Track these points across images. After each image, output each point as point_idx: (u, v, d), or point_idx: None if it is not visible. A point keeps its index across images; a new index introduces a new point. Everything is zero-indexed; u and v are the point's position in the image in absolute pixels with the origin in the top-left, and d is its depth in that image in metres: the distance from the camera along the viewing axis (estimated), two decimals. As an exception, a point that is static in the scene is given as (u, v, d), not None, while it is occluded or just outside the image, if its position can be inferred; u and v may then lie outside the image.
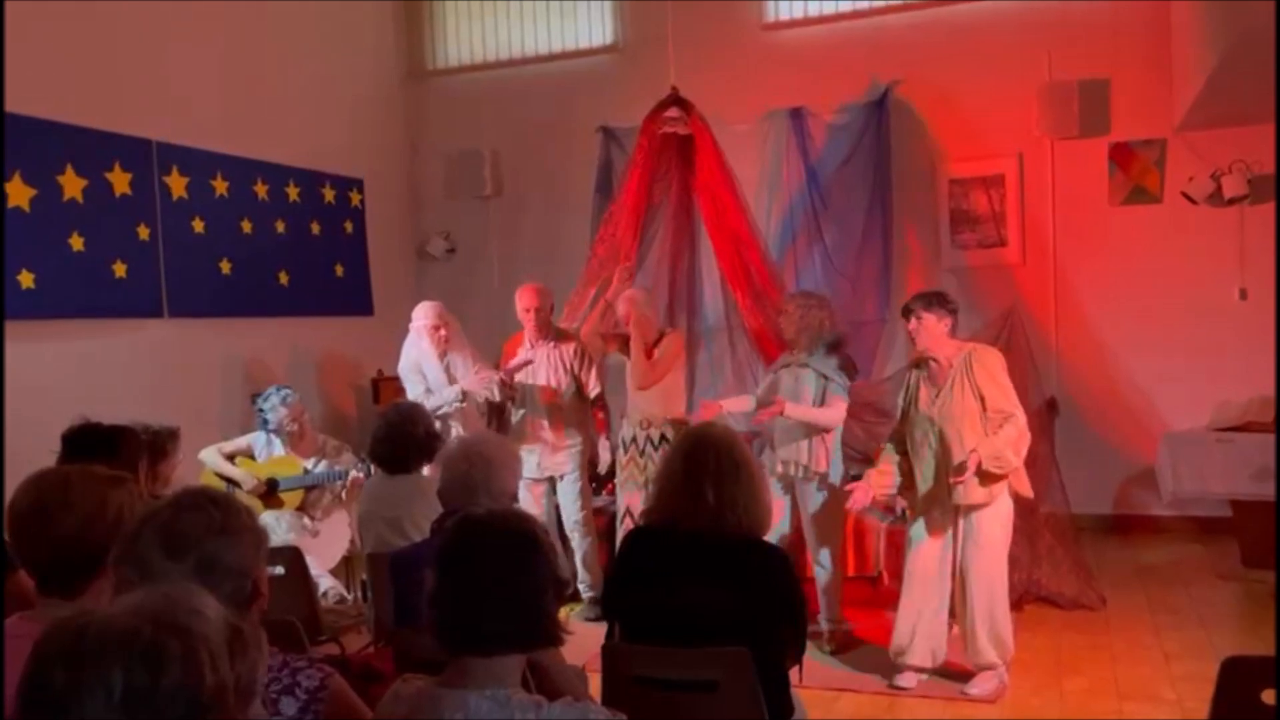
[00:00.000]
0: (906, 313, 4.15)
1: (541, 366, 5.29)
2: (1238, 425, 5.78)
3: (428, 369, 5.51)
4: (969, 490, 3.95)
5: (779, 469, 4.65)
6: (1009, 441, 3.93)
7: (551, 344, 5.30)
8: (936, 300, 4.12)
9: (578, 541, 5.32)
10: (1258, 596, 5.17)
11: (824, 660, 4.50)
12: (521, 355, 5.35)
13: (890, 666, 4.25)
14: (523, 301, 5.28)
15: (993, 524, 4.05)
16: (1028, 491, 4.19)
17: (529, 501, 5.32)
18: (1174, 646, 4.51)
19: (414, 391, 5.47)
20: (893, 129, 6.78)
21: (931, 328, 4.06)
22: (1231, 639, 4.51)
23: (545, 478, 5.34)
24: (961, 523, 4.09)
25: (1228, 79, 4.96)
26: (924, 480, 4.08)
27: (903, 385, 4.27)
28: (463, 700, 1.68)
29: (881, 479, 4.18)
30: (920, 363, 4.16)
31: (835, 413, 4.57)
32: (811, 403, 4.57)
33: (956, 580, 4.13)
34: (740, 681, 2.40)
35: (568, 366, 5.28)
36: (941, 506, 4.08)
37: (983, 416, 3.97)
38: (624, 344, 5.25)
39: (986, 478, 3.94)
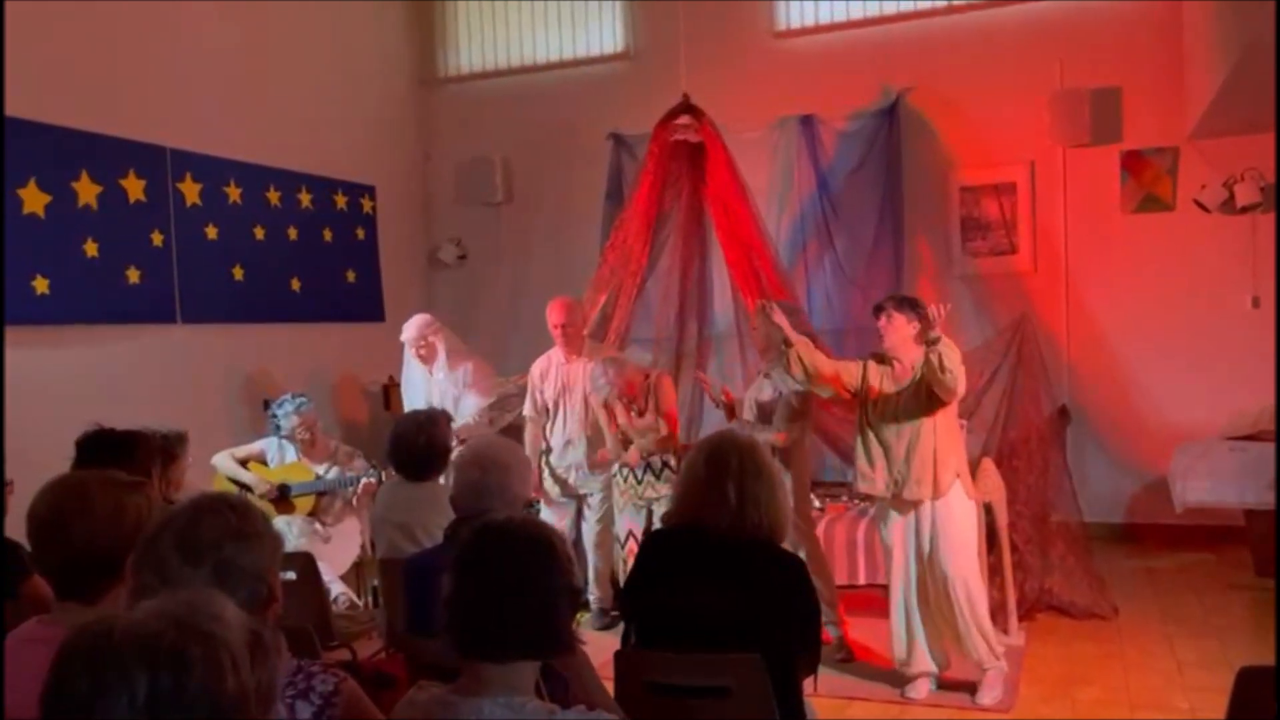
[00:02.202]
0: (878, 310, 4.21)
1: (577, 382, 5.27)
2: (1250, 434, 5.74)
3: (410, 386, 5.70)
4: (918, 486, 4.02)
5: None
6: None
7: (586, 359, 5.28)
8: (909, 303, 4.19)
9: (592, 559, 5.32)
10: (1270, 606, 5.14)
11: (834, 669, 4.49)
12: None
13: (901, 675, 4.24)
14: (551, 318, 5.28)
15: (955, 521, 4.08)
16: (972, 493, 4.23)
17: (554, 516, 5.32)
18: (1187, 656, 4.49)
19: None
20: (904, 136, 6.79)
21: (901, 328, 4.13)
22: (1245, 649, 4.48)
23: (577, 495, 5.35)
24: (925, 525, 4.10)
25: (1240, 86, 4.94)
26: (869, 478, 4.15)
27: (860, 364, 4.25)
28: (477, 708, 1.69)
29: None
30: (881, 358, 4.19)
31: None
32: (768, 409, 4.62)
33: (933, 585, 4.12)
34: (753, 688, 2.40)
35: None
36: (897, 504, 4.13)
37: (934, 419, 4.04)
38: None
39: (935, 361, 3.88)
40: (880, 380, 4.15)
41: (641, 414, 5.05)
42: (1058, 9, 6.55)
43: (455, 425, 5.43)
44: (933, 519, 4.08)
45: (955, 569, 4.05)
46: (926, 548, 4.11)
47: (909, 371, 4.11)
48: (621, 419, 5.07)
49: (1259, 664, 2.21)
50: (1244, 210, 6.21)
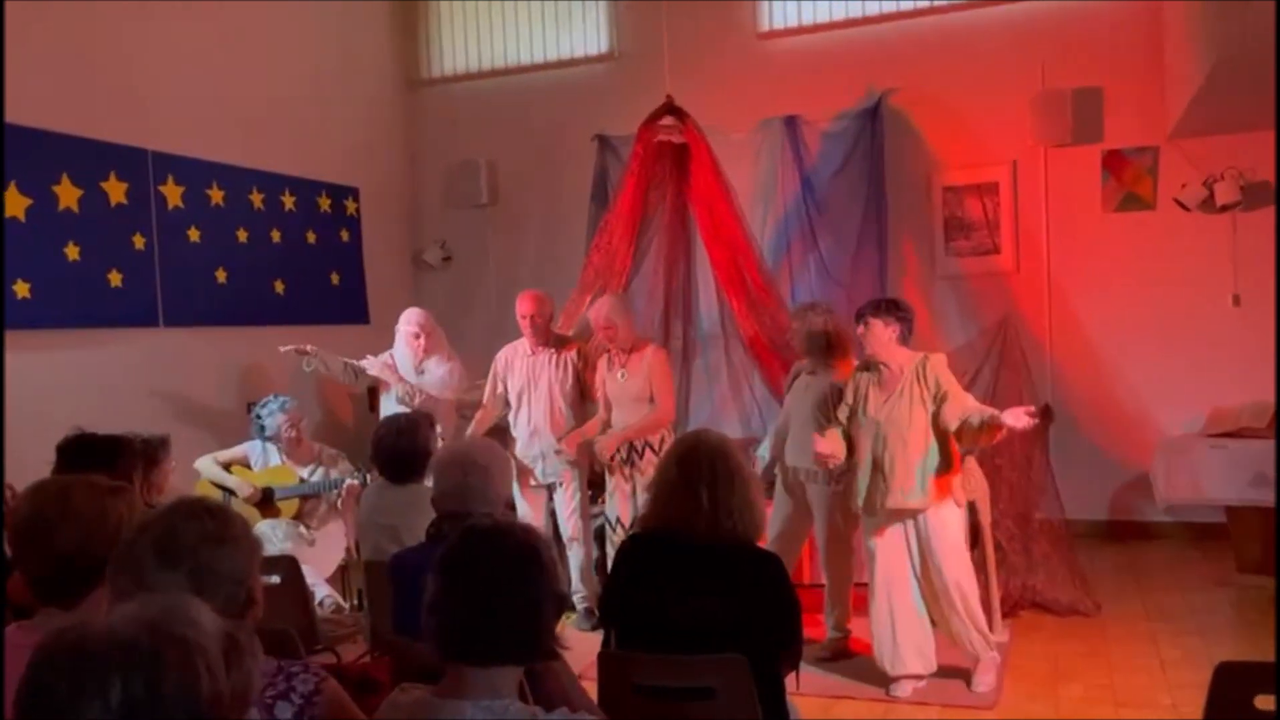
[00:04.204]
0: (858, 318, 4.21)
1: (543, 373, 5.30)
2: (1232, 431, 5.79)
3: (392, 372, 5.65)
4: (906, 496, 4.01)
5: (789, 475, 4.67)
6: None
7: (552, 350, 5.32)
8: (886, 307, 4.19)
9: (574, 551, 5.33)
10: (1253, 602, 5.18)
11: (820, 668, 4.51)
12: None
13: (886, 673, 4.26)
14: (519, 309, 5.31)
15: (945, 525, 4.10)
16: (960, 499, 4.24)
17: (530, 508, 5.34)
18: (1170, 653, 4.51)
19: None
20: (887, 137, 6.80)
21: (879, 334, 4.12)
22: (1227, 645, 4.51)
23: (546, 484, 5.36)
24: (913, 528, 4.11)
25: (1220, 86, 4.98)
26: (859, 489, 4.13)
27: (850, 385, 4.28)
28: (458, 710, 1.69)
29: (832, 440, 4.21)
30: (869, 366, 4.20)
31: None
32: (822, 410, 4.56)
33: (928, 586, 4.15)
34: (736, 689, 2.41)
35: (569, 372, 5.28)
36: (883, 512, 4.12)
37: (931, 424, 4.03)
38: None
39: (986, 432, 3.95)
40: (870, 388, 4.15)
41: (623, 377, 5.08)
42: (1040, 10, 6.58)
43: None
44: (922, 526, 4.10)
45: (950, 572, 4.08)
46: (918, 549, 4.12)
47: (898, 376, 4.10)
48: (602, 375, 5.12)
49: (1236, 659, 2.23)
50: (1224, 209, 6.25)
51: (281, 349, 5.76)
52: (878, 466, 4.07)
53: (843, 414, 4.25)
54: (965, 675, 4.24)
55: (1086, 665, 4.44)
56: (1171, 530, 6.36)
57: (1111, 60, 6.47)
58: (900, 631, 4.17)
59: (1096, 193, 6.59)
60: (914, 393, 4.05)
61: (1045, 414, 5.86)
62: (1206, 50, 4.87)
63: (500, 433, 5.48)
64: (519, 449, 5.34)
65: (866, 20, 6.96)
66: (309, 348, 5.75)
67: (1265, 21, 4.03)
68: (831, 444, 4.14)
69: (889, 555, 4.17)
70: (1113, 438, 6.54)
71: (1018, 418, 3.87)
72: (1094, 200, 6.60)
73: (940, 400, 4.03)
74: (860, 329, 4.17)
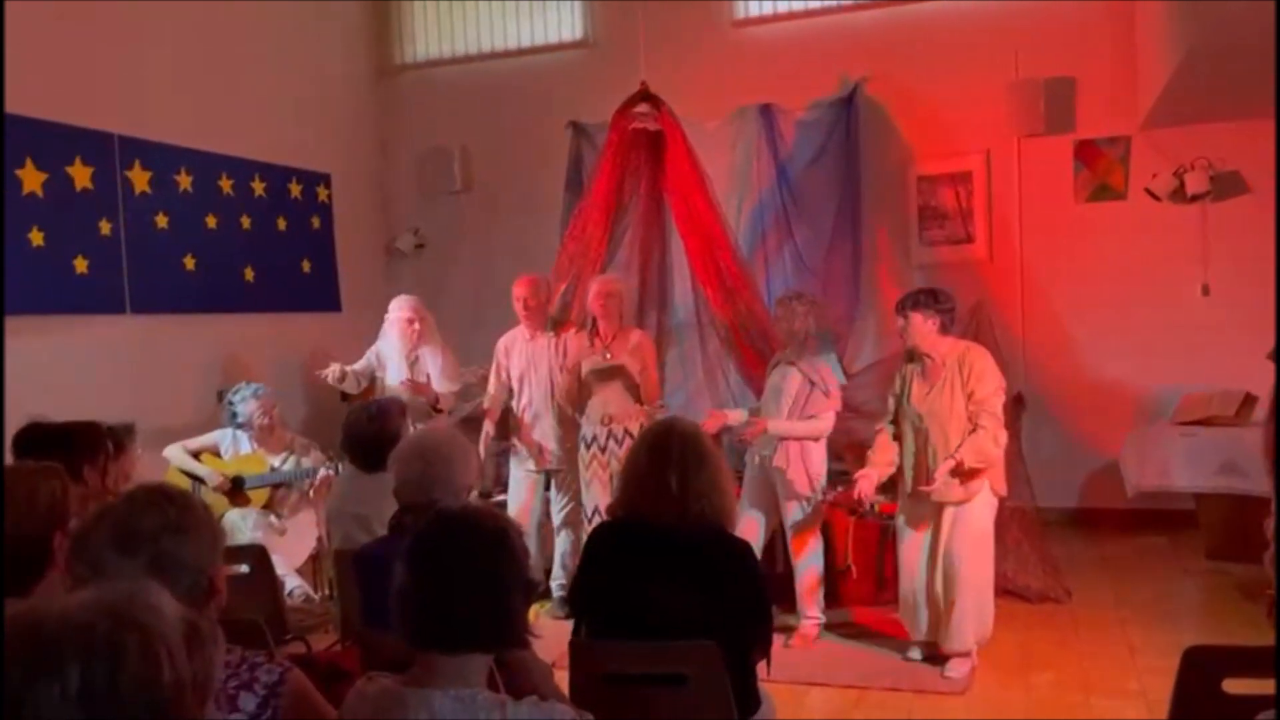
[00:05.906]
0: (898, 311, 4.25)
1: (542, 358, 5.28)
2: (1201, 419, 5.85)
3: (388, 362, 5.56)
4: (948, 489, 4.06)
5: (757, 465, 4.68)
6: (988, 439, 4.05)
7: (551, 335, 5.30)
8: (924, 300, 4.20)
9: (561, 538, 5.31)
10: (1222, 589, 5.24)
11: (828, 638, 4.66)
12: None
13: (860, 658, 4.34)
14: (515, 291, 5.31)
15: (978, 515, 4.15)
16: (1002, 489, 4.28)
17: (523, 492, 5.32)
18: (1139, 639, 4.55)
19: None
20: (862, 126, 6.79)
21: (918, 326, 4.16)
22: (1196, 631, 4.57)
23: (542, 471, 5.34)
24: (946, 515, 4.16)
25: (1191, 77, 5.02)
26: (906, 480, 4.22)
27: (897, 376, 4.34)
28: (427, 699, 1.67)
29: (884, 459, 4.25)
30: (913, 356, 4.22)
31: (822, 424, 4.61)
32: (793, 400, 4.59)
33: (939, 569, 4.19)
34: (708, 676, 2.40)
35: (567, 356, 5.26)
36: (921, 500, 4.17)
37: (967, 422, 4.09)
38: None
39: (967, 475, 4.04)
40: (914, 378, 4.20)
41: (608, 356, 5.09)
42: (1013, 1, 6.59)
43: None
44: (956, 512, 4.15)
45: (967, 559, 4.13)
46: (947, 536, 4.17)
47: (941, 367, 4.14)
48: (591, 356, 5.13)
49: (1203, 644, 2.24)
50: (1194, 199, 6.30)
51: (325, 377, 5.68)
52: (921, 458, 4.12)
53: (891, 405, 4.31)
54: (938, 661, 4.29)
55: (1057, 652, 4.48)
56: (1141, 517, 6.40)
57: (1083, 50, 6.50)
58: (923, 607, 4.26)
59: (1069, 183, 6.63)
60: (955, 383, 4.10)
61: (1017, 402, 5.90)
62: (1177, 41, 4.90)
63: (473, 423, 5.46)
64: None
65: (841, 9, 6.96)
66: (346, 369, 5.67)
67: (1236, 12, 4.05)
68: (874, 480, 4.22)
69: (918, 540, 4.25)
70: (1083, 426, 6.59)
71: (971, 495, 4.09)
72: (1066, 190, 6.63)
73: (967, 396, 4.07)
74: (900, 323, 4.20)
